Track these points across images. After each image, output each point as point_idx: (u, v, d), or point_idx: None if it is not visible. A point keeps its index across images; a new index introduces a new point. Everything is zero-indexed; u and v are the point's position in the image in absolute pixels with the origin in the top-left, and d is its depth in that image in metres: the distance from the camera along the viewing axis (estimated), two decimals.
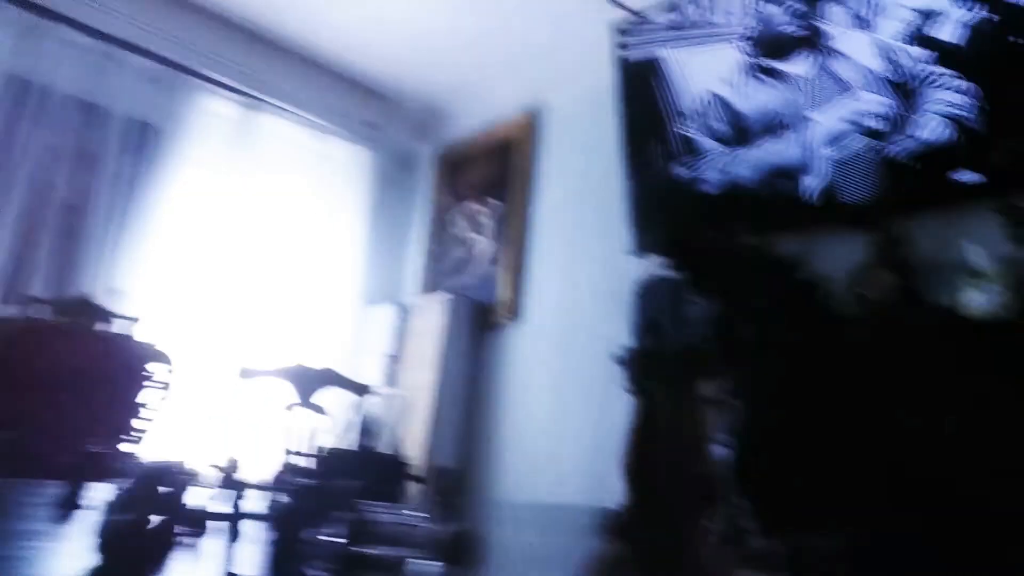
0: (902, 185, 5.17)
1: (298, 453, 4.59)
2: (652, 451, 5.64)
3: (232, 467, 2.26)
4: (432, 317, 9.73)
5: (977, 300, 4.30)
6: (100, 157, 8.66)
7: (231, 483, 2.16)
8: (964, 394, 4.26)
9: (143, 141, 9.02)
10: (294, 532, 1.68)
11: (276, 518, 1.73)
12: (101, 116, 8.58)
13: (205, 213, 9.25)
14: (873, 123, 5.30)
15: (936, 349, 4.37)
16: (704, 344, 3.10)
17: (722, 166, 6.11)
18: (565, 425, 7.82)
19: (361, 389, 8.06)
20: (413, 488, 4.04)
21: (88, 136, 8.56)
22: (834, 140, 5.50)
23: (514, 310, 9.08)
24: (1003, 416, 4.09)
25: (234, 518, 2.00)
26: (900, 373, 4.35)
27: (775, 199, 5.77)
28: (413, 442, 8.81)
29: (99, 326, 7.60)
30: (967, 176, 4.86)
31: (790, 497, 1.13)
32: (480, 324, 9.41)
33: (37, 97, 8.06)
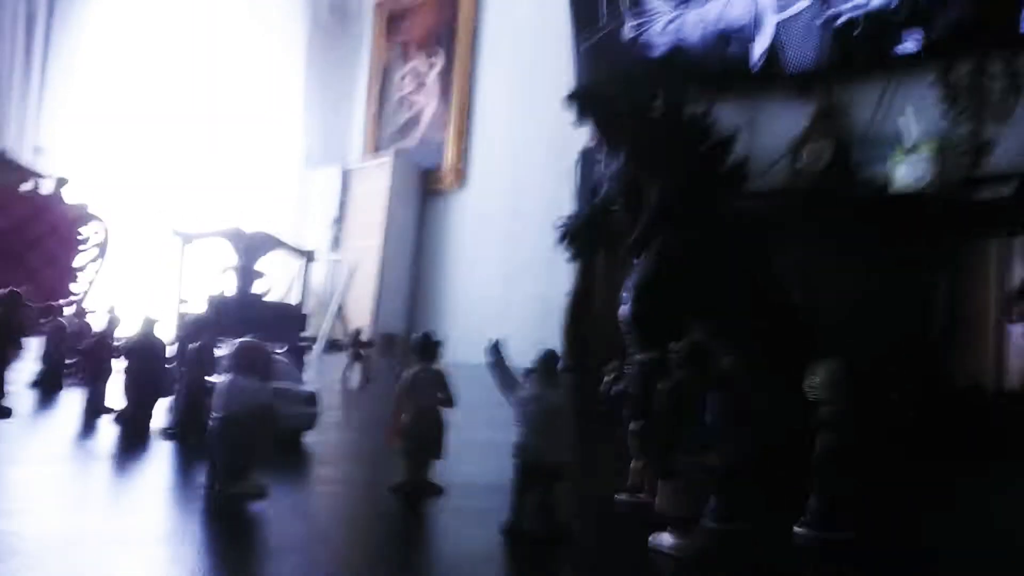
0: (845, 52, 5.16)
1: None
2: (589, 314, 5.87)
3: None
4: (376, 181, 9.59)
5: (906, 173, 4.45)
6: None
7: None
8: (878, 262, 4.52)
9: None
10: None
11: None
12: None
13: (130, 61, 8.67)
14: None
15: (857, 220, 4.57)
16: (621, 208, 3.17)
17: (669, 27, 5.97)
18: (511, 289, 8.02)
19: (305, 254, 8.05)
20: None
21: None
22: (782, 3, 5.40)
23: (460, 174, 9.02)
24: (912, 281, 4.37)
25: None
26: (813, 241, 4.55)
27: (720, 63, 5.71)
28: (360, 308, 8.94)
29: (24, 187, 7.29)
30: (908, 44, 4.88)
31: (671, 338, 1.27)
32: (426, 188, 9.33)
33: None
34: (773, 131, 5.78)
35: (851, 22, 5.11)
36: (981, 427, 2.93)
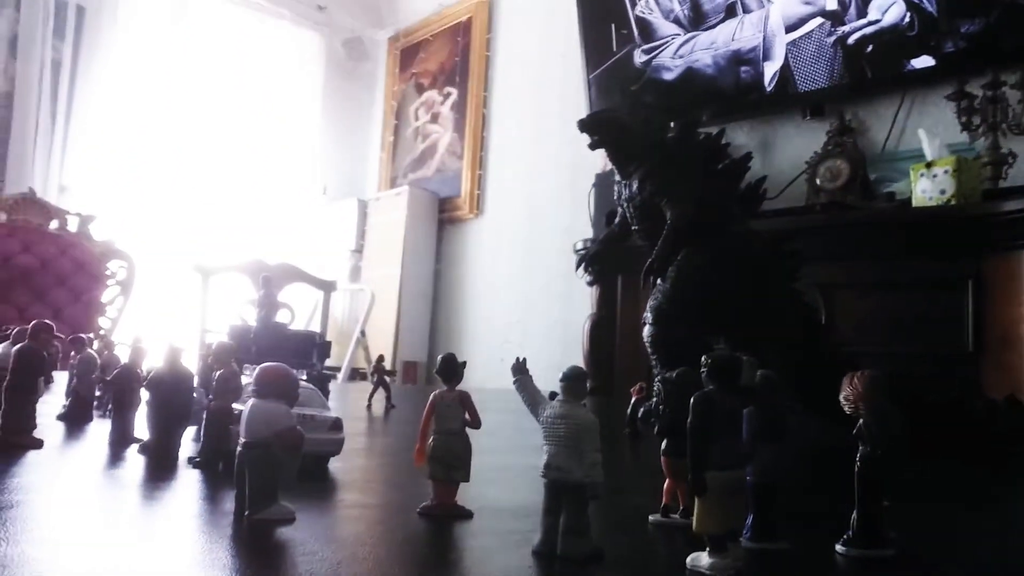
0: (858, 70, 5.16)
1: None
2: (611, 337, 5.85)
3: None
4: (394, 211, 9.68)
5: (926, 188, 4.41)
6: (30, 42, 8.16)
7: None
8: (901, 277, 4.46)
9: (76, 23, 8.50)
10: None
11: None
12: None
13: (151, 102, 8.88)
14: (832, 5, 5.22)
15: (878, 237, 4.53)
16: (638, 232, 3.16)
17: (680, 52, 6.02)
18: (530, 314, 8.02)
19: (326, 285, 8.12)
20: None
21: (15, 19, 8.04)
22: (792, 24, 5.42)
23: (476, 202, 9.09)
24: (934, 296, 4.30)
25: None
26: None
27: (732, 86, 5.74)
28: (382, 336, 8.97)
29: (51, 225, 7.44)
30: (921, 61, 4.87)
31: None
32: (443, 217, 9.40)
33: None
34: (788, 151, 5.78)
35: (863, 40, 5.11)
36: (1019, 439, 2.86)
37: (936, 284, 4.34)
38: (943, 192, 4.35)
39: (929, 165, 4.46)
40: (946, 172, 4.36)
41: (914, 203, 4.48)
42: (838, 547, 1.37)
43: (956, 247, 4.25)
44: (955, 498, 2.24)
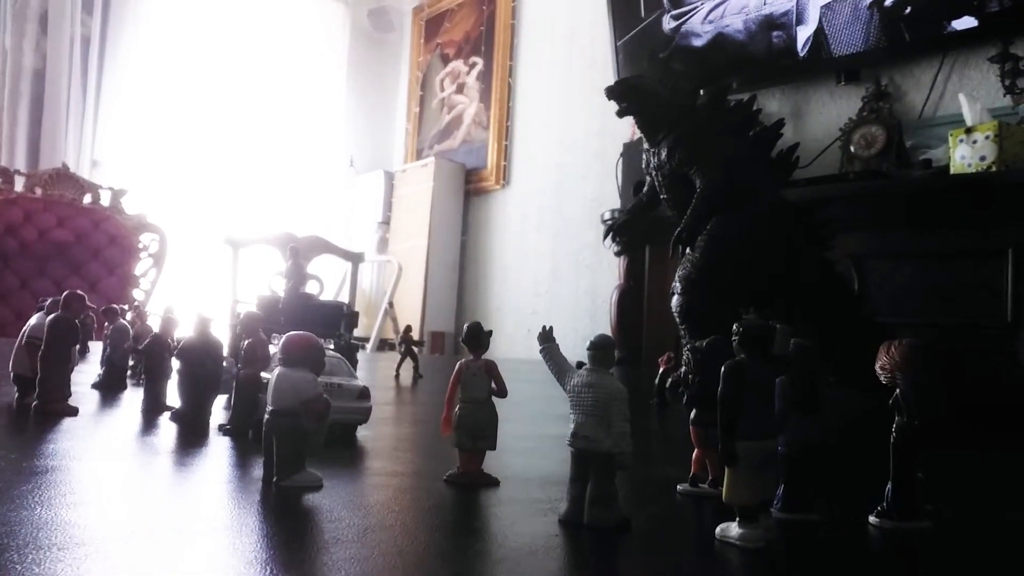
0: (895, 33, 4.99)
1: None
2: (639, 308, 5.81)
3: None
4: (420, 183, 9.66)
5: (966, 155, 4.27)
6: (60, 17, 8.21)
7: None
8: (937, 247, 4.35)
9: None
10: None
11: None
12: None
13: (179, 76, 8.92)
14: None
15: (915, 205, 4.41)
16: (666, 201, 3.10)
17: (711, 17, 5.87)
18: (558, 284, 7.99)
19: (354, 256, 8.16)
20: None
21: None
22: None
23: (503, 173, 9.03)
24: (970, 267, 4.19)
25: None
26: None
27: (764, 52, 5.58)
28: (409, 307, 9.02)
29: (85, 200, 7.55)
30: (962, 22, 4.68)
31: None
32: (469, 188, 9.36)
33: None
34: (822, 118, 5.63)
35: (901, 1, 4.92)
36: None
37: (974, 254, 4.21)
38: (983, 159, 4.20)
39: (969, 131, 4.30)
40: (987, 138, 4.20)
41: (952, 170, 4.34)
42: (871, 519, 1.35)
43: (996, 215, 4.12)
44: (993, 471, 2.20)
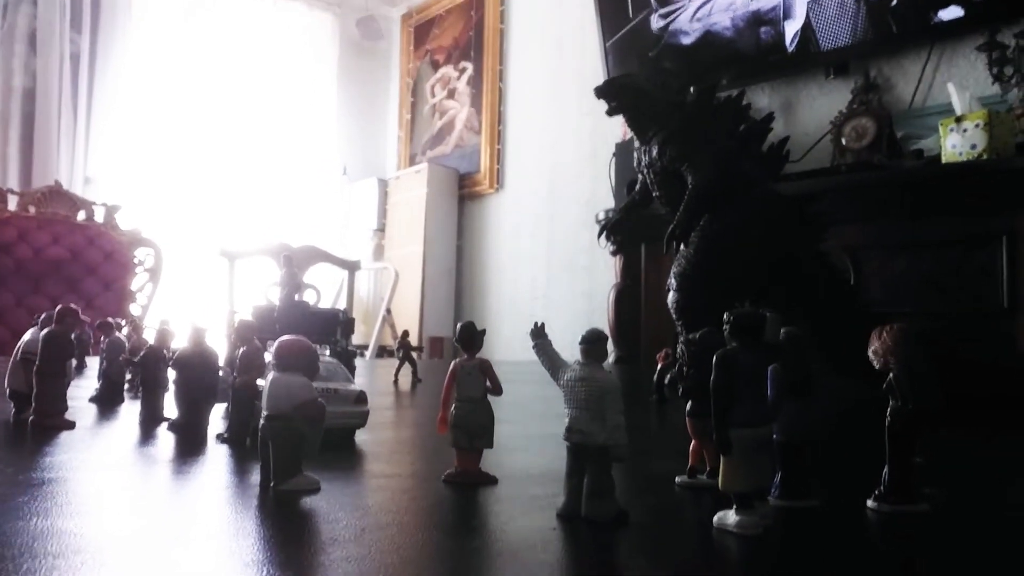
0: (882, 25, 5.01)
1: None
2: (636, 307, 5.81)
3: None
4: (414, 189, 9.67)
5: (957, 144, 4.28)
6: (49, 36, 8.21)
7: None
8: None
9: (93, 15, 8.53)
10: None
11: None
12: None
13: (169, 90, 8.93)
14: None
15: (907, 194, 4.42)
16: (659, 198, 3.10)
17: (698, 15, 5.88)
18: (553, 286, 7.99)
19: (349, 265, 8.16)
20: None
21: (33, 14, 8.10)
22: None
23: (496, 176, 9.04)
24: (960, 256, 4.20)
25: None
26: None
27: (752, 48, 5.60)
28: (407, 312, 9.02)
29: (79, 216, 7.55)
30: (949, 12, 4.70)
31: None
32: (463, 193, 9.37)
33: None
34: (812, 112, 5.64)
35: None
36: None
37: (968, 242, 4.23)
38: (974, 147, 4.22)
39: (959, 120, 4.32)
40: (977, 126, 4.22)
41: (944, 159, 4.35)
42: (869, 503, 1.35)
43: (989, 203, 4.13)
44: (990, 455, 2.20)
